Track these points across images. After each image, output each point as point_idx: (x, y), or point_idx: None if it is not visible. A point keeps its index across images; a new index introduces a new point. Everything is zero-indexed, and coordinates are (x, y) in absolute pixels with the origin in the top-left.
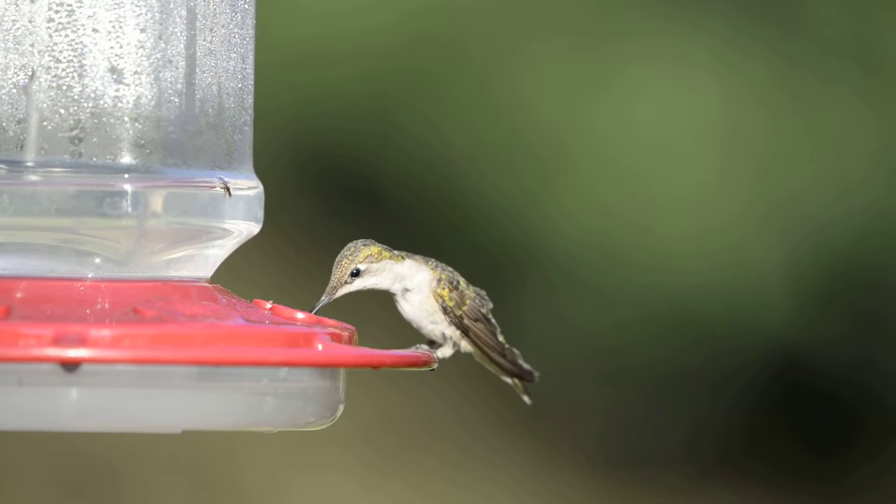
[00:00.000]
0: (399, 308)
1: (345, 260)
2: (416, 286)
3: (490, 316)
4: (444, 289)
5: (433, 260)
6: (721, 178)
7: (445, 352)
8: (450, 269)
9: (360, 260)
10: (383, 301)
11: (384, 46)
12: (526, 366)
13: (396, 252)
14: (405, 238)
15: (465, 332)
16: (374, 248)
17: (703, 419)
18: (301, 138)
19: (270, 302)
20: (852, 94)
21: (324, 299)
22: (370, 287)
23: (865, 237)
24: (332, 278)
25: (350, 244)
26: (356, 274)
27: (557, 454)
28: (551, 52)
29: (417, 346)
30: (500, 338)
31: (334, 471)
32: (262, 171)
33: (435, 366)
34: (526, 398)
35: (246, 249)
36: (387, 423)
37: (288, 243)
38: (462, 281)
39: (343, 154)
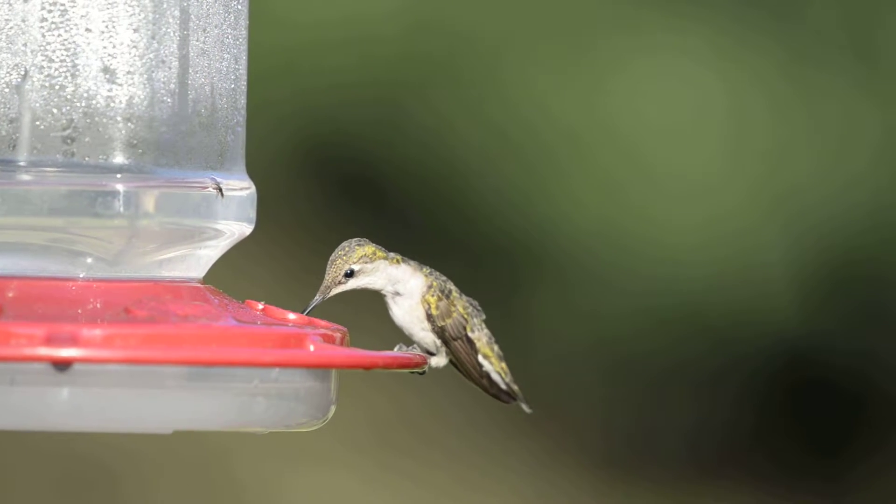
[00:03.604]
0: (390, 312)
1: (339, 260)
2: (408, 291)
3: (475, 329)
4: (432, 296)
5: (427, 267)
6: (724, 171)
7: (439, 361)
8: (444, 277)
9: (355, 260)
10: (376, 303)
11: (389, 34)
12: (513, 386)
13: (391, 254)
14: (411, 230)
15: (446, 344)
16: (369, 248)
17: (704, 417)
18: (304, 129)
19: (262, 303)
20: (855, 87)
21: (317, 299)
22: (363, 287)
23: (868, 229)
24: (326, 278)
25: (344, 243)
26: (350, 274)
27: (564, 452)
28: (560, 42)
29: (412, 346)
30: (496, 347)
31: (340, 467)
32: (264, 165)
33: (426, 368)
34: (525, 406)
35: (246, 245)
36: (395, 419)
37: (289, 238)
38: (454, 291)
39: (347, 144)
